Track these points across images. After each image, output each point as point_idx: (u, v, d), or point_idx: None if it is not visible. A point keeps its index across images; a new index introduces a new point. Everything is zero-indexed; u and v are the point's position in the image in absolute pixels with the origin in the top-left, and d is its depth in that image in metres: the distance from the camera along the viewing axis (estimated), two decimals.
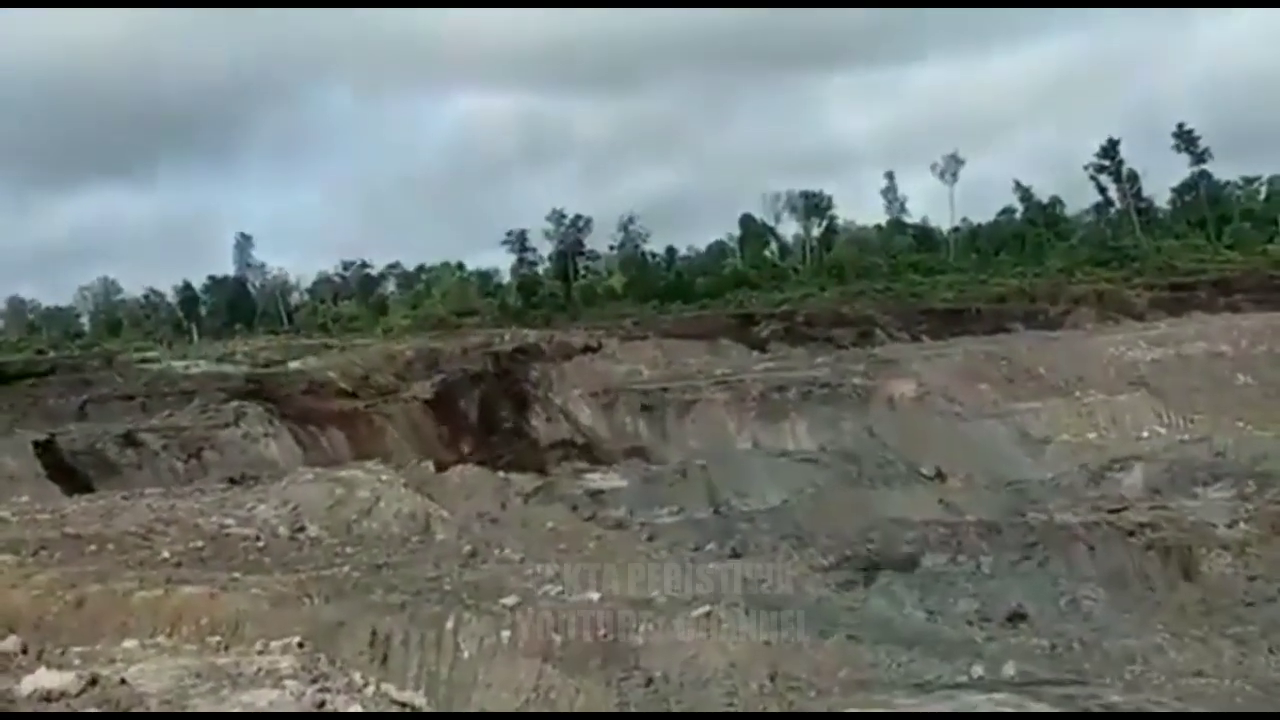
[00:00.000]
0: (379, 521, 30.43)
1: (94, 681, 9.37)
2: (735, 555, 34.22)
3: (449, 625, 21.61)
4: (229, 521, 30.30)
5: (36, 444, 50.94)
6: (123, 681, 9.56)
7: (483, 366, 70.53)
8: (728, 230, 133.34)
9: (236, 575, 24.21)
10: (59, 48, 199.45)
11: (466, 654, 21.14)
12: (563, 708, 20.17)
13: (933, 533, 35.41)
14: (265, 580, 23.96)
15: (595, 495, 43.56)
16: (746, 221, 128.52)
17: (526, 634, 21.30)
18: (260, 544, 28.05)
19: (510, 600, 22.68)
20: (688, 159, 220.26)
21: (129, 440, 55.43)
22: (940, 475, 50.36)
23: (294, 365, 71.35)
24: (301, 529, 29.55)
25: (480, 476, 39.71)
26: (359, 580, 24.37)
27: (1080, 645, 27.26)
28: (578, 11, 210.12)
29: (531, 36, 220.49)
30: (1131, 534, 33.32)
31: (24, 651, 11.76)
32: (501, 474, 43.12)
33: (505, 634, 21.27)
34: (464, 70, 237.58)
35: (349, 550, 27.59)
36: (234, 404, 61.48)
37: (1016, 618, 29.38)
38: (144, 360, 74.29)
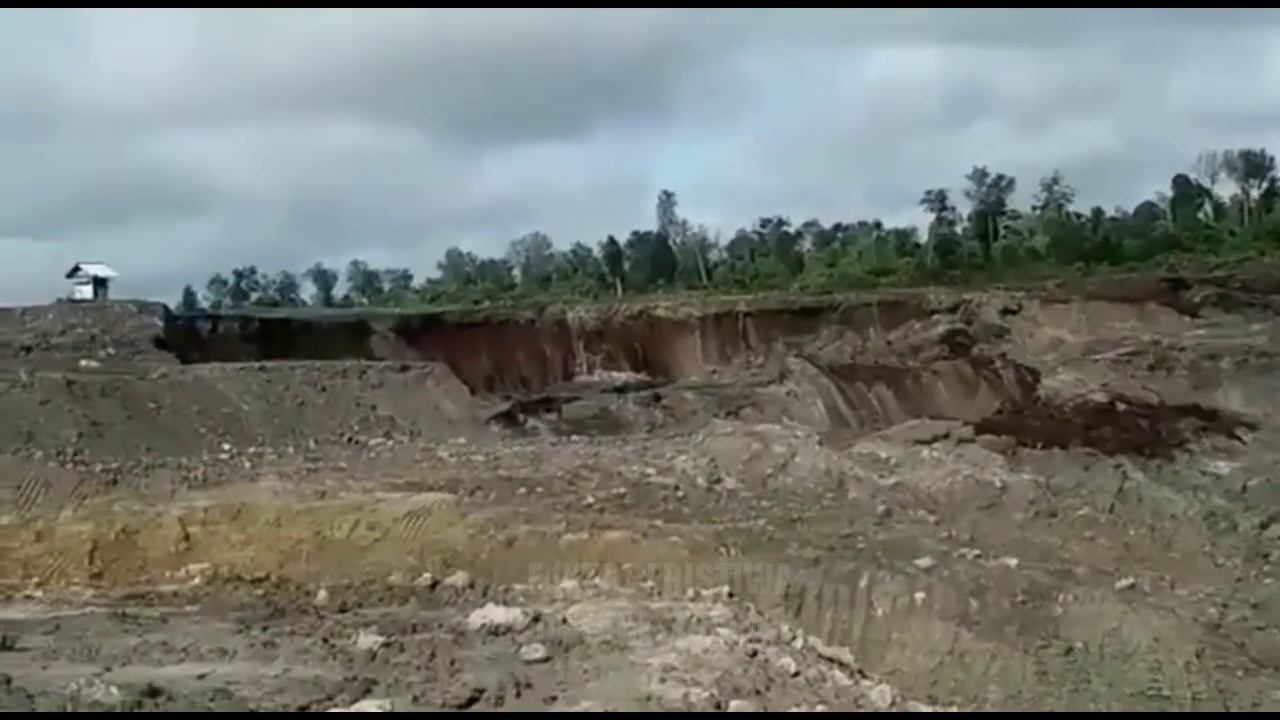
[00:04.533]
0: (793, 477, 30.74)
1: (537, 619, 9.92)
2: None
3: (862, 583, 21.70)
4: (649, 470, 31.35)
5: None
6: (564, 621, 10.07)
7: (940, 352, 69.34)
8: (1158, 190, 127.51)
9: (657, 523, 25.06)
10: (504, 18, 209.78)
11: (880, 612, 21.19)
12: (977, 673, 19.93)
13: None
14: (684, 529, 24.71)
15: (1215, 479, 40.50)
16: (1180, 182, 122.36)
17: (942, 596, 21.16)
18: (679, 493, 28.89)
19: (925, 561, 22.55)
20: (1119, 116, 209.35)
21: (657, 400, 58.04)
22: None
23: None
24: (718, 480, 30.22)
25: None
26: (773, 534, 24.76)
27: None
28: None
29: None
30: None
31: (470, 587, 12.62)
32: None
33: (920, 595, 21.18)
34: (885, 27, 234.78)
35: (764, 504, 28.04)
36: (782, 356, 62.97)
37: None
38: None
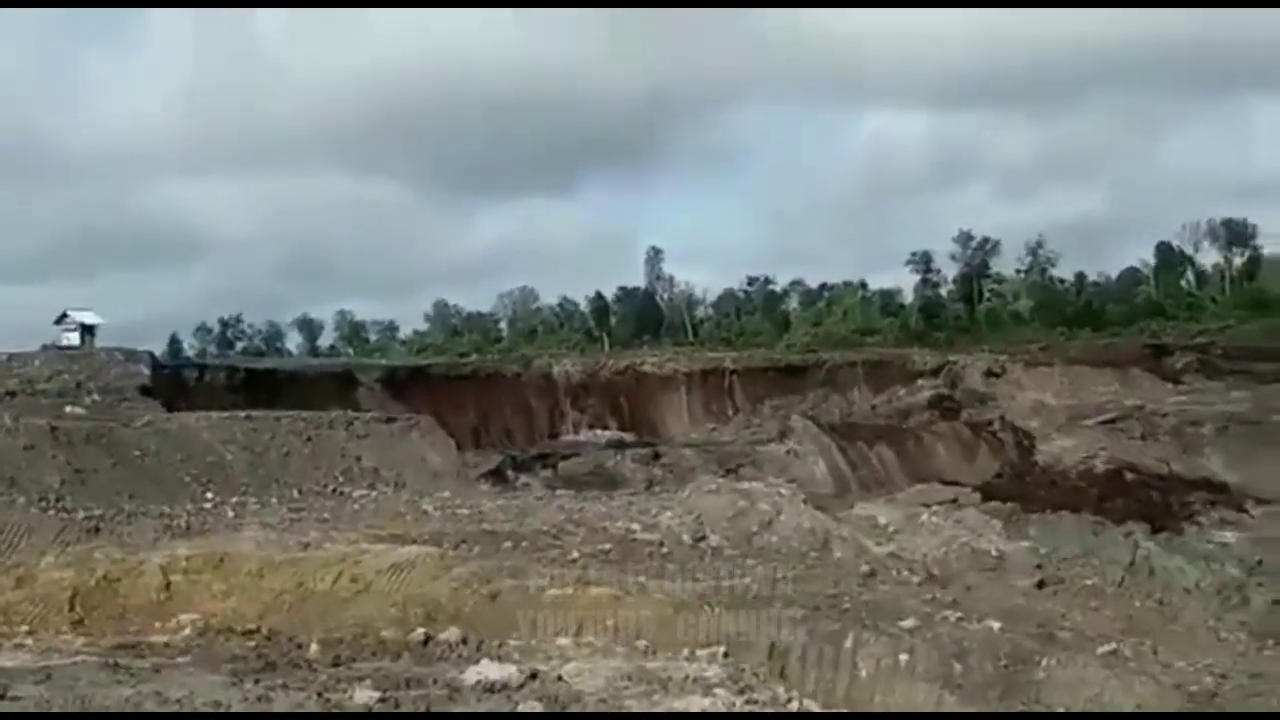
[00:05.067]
0: (778, 535, 30.79)
1: (533, 676, 9.99)
2: None
3: (847, 644, 21.70)
4: (635, 526, 31.42)
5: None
6: (559, 679, 10.15)
7: (930, 416, 69.56)
8: (1141, 257, 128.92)
9: (641, 580, 25.06)
10: (493, 73, 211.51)
11: (864, 673, 21.17)
12: None
13: None
14: (668, 586, 24.70)
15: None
16: (1163, 249, 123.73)
17: (925, 658, 21.18)
18: (664, 550, 28.92)
19: (909, 623, 22.56)
20: (1105, 183, 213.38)
21: (656, 457, 57.78)
22: None
23: None
24: (703, 538, 30.27)
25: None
26: (758, 592, 24.77)
27: None
28: (1003, 28, 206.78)
29: (954, 55, 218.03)
30: None
31: (464, 642, 12.62)
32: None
33: (903, 657, 21.19)
34: (879, 89, 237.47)
35: (749, 562, 28.05)
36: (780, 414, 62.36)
37: None
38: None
